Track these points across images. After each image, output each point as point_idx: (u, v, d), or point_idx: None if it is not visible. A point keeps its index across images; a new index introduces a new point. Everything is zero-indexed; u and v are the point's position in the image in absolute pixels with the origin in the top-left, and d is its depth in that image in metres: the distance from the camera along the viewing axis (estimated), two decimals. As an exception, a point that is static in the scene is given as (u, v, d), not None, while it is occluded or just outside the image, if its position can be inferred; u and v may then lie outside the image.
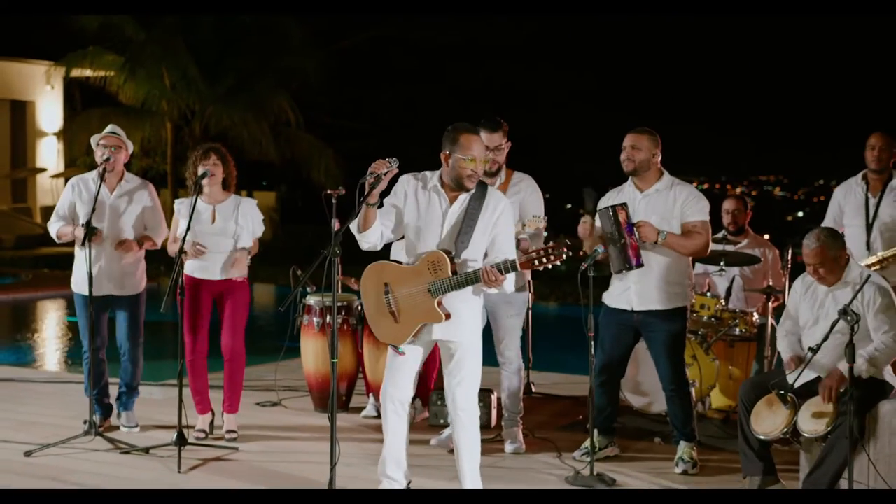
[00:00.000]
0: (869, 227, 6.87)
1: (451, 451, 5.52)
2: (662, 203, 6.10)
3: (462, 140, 5.03)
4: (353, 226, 5.04)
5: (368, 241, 5.12)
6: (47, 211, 24.41)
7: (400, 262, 5.24)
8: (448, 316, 5.02)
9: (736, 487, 5.72)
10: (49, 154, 25.24)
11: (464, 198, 5.11)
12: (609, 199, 6.25)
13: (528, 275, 6.58)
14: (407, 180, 5.18)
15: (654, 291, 6.08)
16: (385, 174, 4.96)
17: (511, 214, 5.24)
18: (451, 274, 4.96)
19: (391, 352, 5.22)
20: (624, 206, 5.99)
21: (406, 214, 5.16)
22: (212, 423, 6.79)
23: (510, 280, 5.01)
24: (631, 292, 6.14)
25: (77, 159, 24.83)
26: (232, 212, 6.60)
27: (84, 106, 25.20)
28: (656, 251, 6.03)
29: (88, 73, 23.14)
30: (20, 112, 24.80)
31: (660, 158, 6.16)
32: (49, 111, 25.10)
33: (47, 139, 25.22)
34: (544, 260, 4.81)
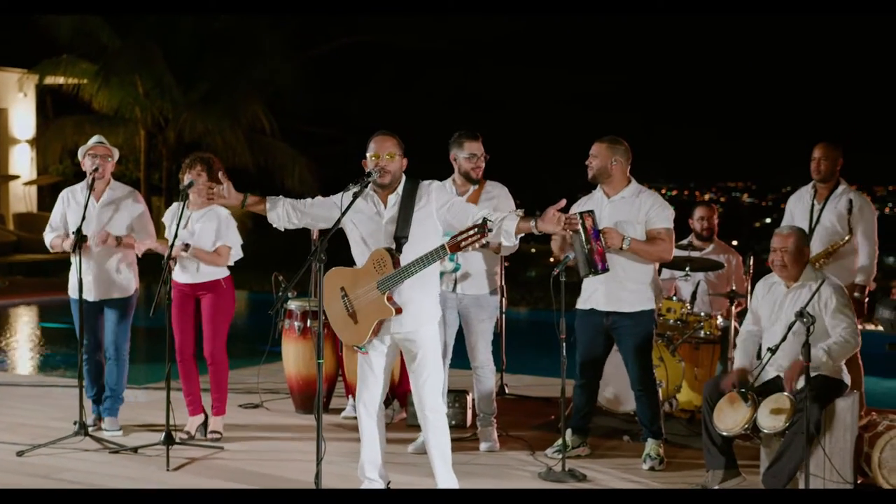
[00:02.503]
0: (811, 231, 7.22)
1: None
2: (627, 209, 6.40)
3: (369, 144, 5.37)
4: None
5: (275, 221, 5.51)
6: (20, 218, 24.43)
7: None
8: (399, 310, 5.23)
9: (700, 481, 6.00)
10: (22, 161, 25.22)
11: (394, 197, 5.35)
12: (579, 205, 6.55)
13: (497, 280, 6.84)
14: (348, 192, 5.32)
15: (621, 293, 6.38)
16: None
17: (444, 189, 5.46)
18: (393, 269, 5.20)
19: (360, 356, 5.46)
20: (591, 212, 6.27)
21: (349, 223, 5.39)
22: (203, 424, 6.99)
23: (507, 231, 5.16)
24: (599, 293, 6.45)
25: (49, 167, 24.89)
26: (199, 218, 6.81)
27: (57, 113, 25.25)
28: (621, 255, 6.32)
29: (61, 80, 23.21)
30: (-8, 119, 24.81)
31: (625, 165, 6.45)
32: (22, 118, 25.09)
33: (20, 146, 25.20)
34: (470, 240, 4.99)
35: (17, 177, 25.01)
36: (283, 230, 5.60)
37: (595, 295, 6.47)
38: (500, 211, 6.41)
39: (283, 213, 5.51)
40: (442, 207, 5.34)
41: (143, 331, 10.78)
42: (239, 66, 22.60)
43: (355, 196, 5.21)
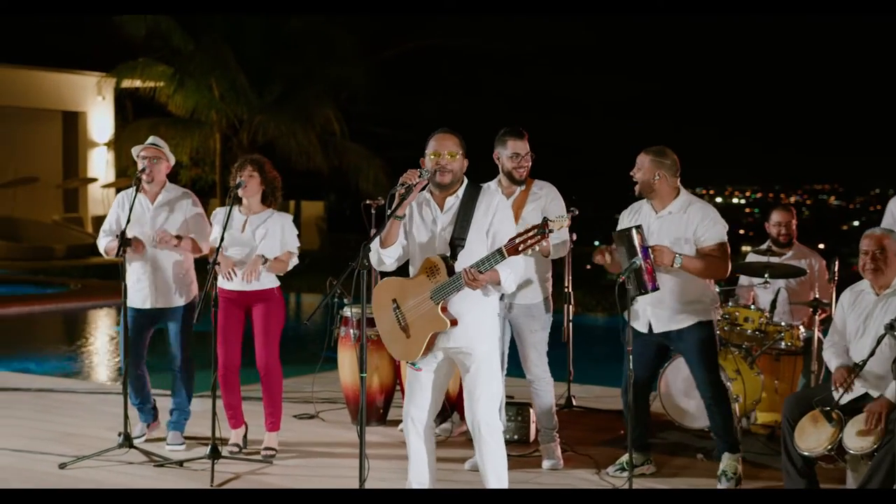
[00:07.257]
0: None
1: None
2: (676, 225, 5.95)
3: (429, 142, 5.01)
4: (376, 240, 4.96)
5: (390, 256, 5.05)
6: (98, 221, 24.69)
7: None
8: (454, 322, 4.86)
9: None
10: (100, 164, 25.54)
11: (452, 200, 5.01)
12: (625, 219, 6.15)
13: (549, 288, 6.40)
14: (396, 193, 5.04)
15: (672, 313, 5.96)
16: (415, 185, 4.88)
17: (508, 210, 5.12)
18: (448, 276, 4.83)
19: (409, 369, 5.11)
20: (639, 228, 5.83)
21: (410, 232, 5.10)
22: (245, 436, 6.73)
23: (507, 275, 4.82)
24: (648, 315, 6.03)
25: (128, 169, 25.09)
26: (260, 224, 6.53)
27: (135, 116, 25.47)
28: (671, 272, 5.89)
29: (138, 83, 23.36)
30: (72, 123, 25.13)
31: (671, 179, 5.99)
32: (100, 122, 25.40)
33: (98, 149, 25.51)
34: (530, 241, 4.64)
35: (95, 179, 25.31)
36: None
37: (645, 316, 6.05)
38: (548, 211, 5.99)
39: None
40: (494, 223, 4.97)
41: (195, 337, 10.59)
42: (311, 67, 22.52)
43: (402, 197, 4.87)
